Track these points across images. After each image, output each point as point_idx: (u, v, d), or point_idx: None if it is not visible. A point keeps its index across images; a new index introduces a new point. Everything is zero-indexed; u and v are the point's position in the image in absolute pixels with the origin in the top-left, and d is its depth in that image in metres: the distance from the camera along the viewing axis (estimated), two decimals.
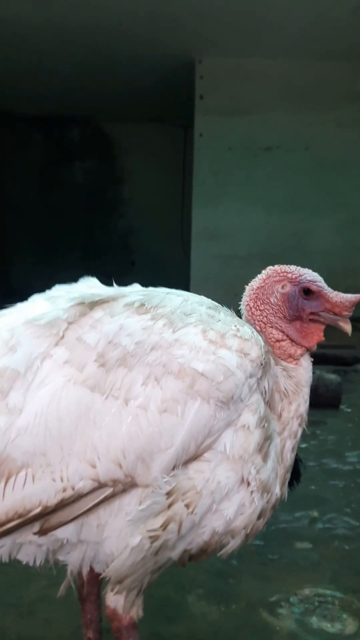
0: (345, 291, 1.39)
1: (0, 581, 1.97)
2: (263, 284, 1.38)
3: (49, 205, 10.21)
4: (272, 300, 1.36)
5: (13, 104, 9.08)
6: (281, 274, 1.37)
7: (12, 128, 9.88)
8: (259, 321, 1.37)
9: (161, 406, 1.12)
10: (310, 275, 1.36)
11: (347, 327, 1.36)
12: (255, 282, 1.39)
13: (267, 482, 1.23)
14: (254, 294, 1.38)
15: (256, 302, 1.38)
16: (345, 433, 3.66)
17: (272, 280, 1.37)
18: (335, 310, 1.35)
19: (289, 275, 1.36)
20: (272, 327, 1.37)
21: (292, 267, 1.38)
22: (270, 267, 1.40)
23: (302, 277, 1.36)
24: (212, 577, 2.03)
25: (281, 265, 1.39)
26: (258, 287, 1.38)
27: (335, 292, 1.36)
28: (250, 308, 1.38)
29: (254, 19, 6.00)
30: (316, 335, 1.38)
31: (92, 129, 10.12)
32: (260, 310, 1.37)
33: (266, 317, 1.37)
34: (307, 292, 1.35)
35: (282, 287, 1.36)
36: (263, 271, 1.40)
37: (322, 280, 1.37)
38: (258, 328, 1.36)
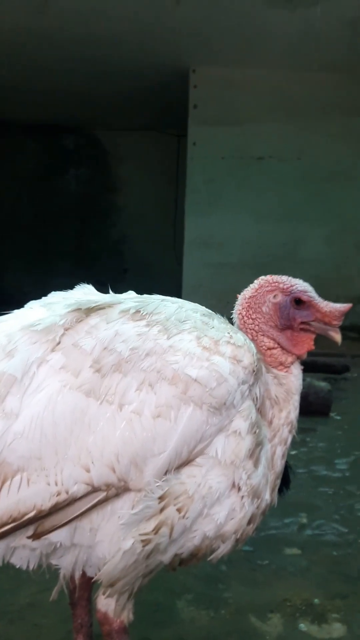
0: (336, 300, 1.42)
1: None
2: (255, 294, 1.41)
3: (42, 212, 10.23)
4: (263, 309, 1.39)
5: (7, 112, 9.12)
6: (273, 284, 1.40)
7: (6, 136, 9.91)
8: (250, 329, 1.40)
9: (155, 411, 1.14)
10: (301, 286, 1.40)
11: (337, 336, 1.39)
12: (247, 292, 1.42)
13: (257, 488, 1.25)
14: (246, 303, 1.41)
15: (248, 310, 1.41)
16: (334, 440, 3.69)
17: (264, 289, 1.40)
18: (326, 319, 1.38)
19: (281, 285, 1.39)
20: (263, 335, 1.40)
21: (284, 277, 1.41)
22: (263, 277, 1.43)
23: (294, 287, 1.39)
24: (201, 583, 2.04)
25: (273, 275, 1.41)
26: (250, 297, 1.41)
27: (326, 302, 1.39)
28: (243, 317, 1.41)
29: (248, 29, 6.09)
30: (307, 344, 1.41)
31: (86, 138, 10.17)
32: (252, 319, 1.40)
33: (258, 325, 1.40)
34: (298, 302, 1.38)
35: (274, 296, 1.39)
36: (255, 281, 1.43)
37: (313, 290, 1.41)
38: (250, 336, 1.38)
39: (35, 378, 1.16)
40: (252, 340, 1.37)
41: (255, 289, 1.42)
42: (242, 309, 1.41)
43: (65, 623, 1.72)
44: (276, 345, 1.40)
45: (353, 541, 2.39)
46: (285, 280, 1.40)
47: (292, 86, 7.21)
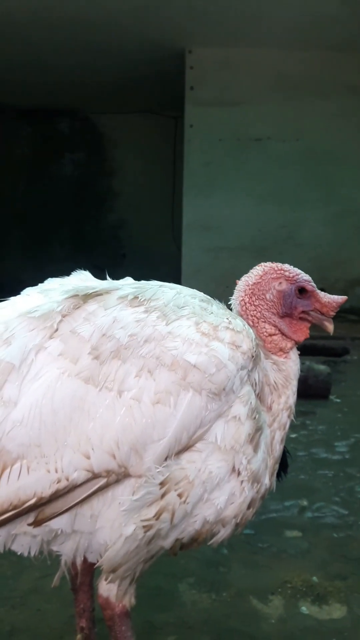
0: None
1: None
2: (260, 280, 1.41)
3: (38, 198, 10.16)
4: (267, 296, 1.40)
5: (2, 96, 9.00)
6: (278, 271, 1.41)
7: (1, 121, 9.79)
8: (252, 316, 1.40)
9: (154, 398, 1.14)
10: (305, 275, 1.42)
11: (331, 326, 1.44)
12: (250, 278, 1.42)
13: (257, 472, 1.25)
14: (249, 289, 1.41)
15: (251, 297, 1.41)
16: (334, 423, 3.70)
17: (269, 277, 1.41)
18: (324, 310, 1.42)
19: (286, 273, 1.41)
20: (265, 321, 1.40)
21: (288, 266, 1.43)
22: (265, 263, 1.43)
23: (299, 276, 1.41)
24: (202, 566, 2.05)
25: (277, 263, 1.43)
26: (254, 283, 1.41)
27: (324, 293, 1.43)
28: (245, 303, 1.41)
29: (244, 9, 5.98)
30: (304, 332, 1.43)
31: (81, 121, 10.06)
32: (254, 305, 1.41)
33: (260, 312, 1.40)
34: (302, 291, 1.41)
35: (279, 284, 1.40)
36: (258, 267, 1.43)
37: (312, 281, 1.44)
38: (250, 322, 1.39)
39: (33, 365, 1.15)
40: (253, 326, 1.38)
41: (260, 275, 1.41)
42: (245, 295, 1.41)
43: (67, 608, 1.73)
44: (277, 332, 1.41)
45: (353, 523, 2.41)
46: (290, 269, 1.42)
47: (290, 66, 7.12)
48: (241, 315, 1.40)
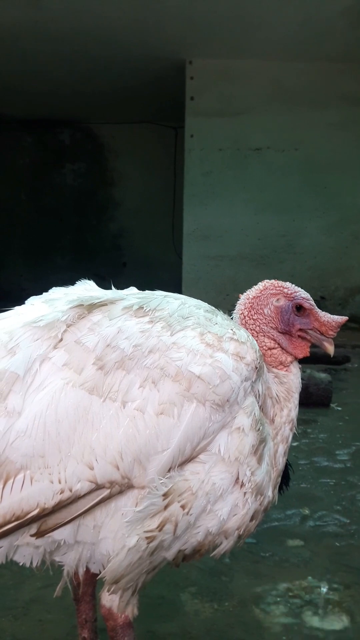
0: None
1: None
2: (259, 294, 1.43)
3: (40, 207, 10.21)
4: (265, 311, 1.42)
5: (3, 107, 9.07)
6: (277, 288, 1.43)
7: (2, 131, 9.87)
8: (251, 329, 1.42)
9: (158, 408, 1.14)
10: (304, 293, 1.44)
11: (331, 347, 1.44)
12: (251, 292, 1.45)
13: (261, 484, 1.25)
14: (249, 303, 1.43)
15: (250, 311, 1.43)
16: (335, 431, 3.69)
17: (268, 292, 1.43)
18: (323, 329, 1.42)
19: (285, 290, 1.43)
20: (264, 335, 1.42)
21: (288, 284, 1.45)
22: (267, 280, 1.46)
23: (297, 293, 1.43)
24: (205, 575, 2.05)
25: (277, 280, 1.46)
26: (254, 297, 1.43)
27: (324, 313, 1.43)
28: (245, 316, 1.43)
29: (244, 20, 6.04)
30: (303, 350, 1.44)
31: (82, 132, 10.13)
32: (253, 319, 1.42)
33: (259, 326, 1.42)
34: (299, 308, 1.42)
35: (277, 300, 1.42)
36: (260, 283, 1.46)
37: (312, 300, 1.45)
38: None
39: (37, 375, 1.15)
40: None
41: (260, 290, 1.44)
42: (245, 308, 1.43)
43: (69, 618, 1.73)
44: (276, 346, 1.42)
45: (355, 532, 2.40)
46: (289, 286, 1.44)
47: (289, 76, 7.17)
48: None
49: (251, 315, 1.42)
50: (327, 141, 7.25)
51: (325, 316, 1.42)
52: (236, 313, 1.44)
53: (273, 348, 1.42)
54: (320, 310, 1.43)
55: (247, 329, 1.41)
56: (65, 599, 1.49)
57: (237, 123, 7.26)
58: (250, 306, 1.43)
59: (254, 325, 1.42)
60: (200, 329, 1.22)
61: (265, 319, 1.42)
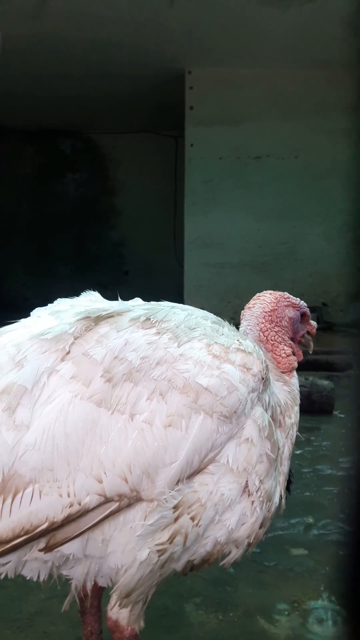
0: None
1: None
2: (275, 307, 1.51)
3: (42, 217, 10.24)
4: (283, 323, 1.52)
5: (4, 117, 9.12)
6: (287, 299, 1.54)
7: (4, 141, 9.92)
8: (272, 340, 1.50)
9: (166, 421, 1.14)
10: (303, 302, 1.57)
11: (312, 345, 1.62)
12: (266, 305, 1.52)
13: (270, 492, 1.26)
14: (268, 315, 1.50)
15: (270, 323, 1.50)
16: (339, 439, 3.68)
17: (282, 304, 1.52)
18: (313, 331, 1.59)
19: (292, 300, 1.55)
20: (284, 344, 1.51)
21: (288, 294, 1.57)
22: (270, 291, 1.55)
23: (301, 303, 1.56)
24: (209, 586, 2.04)
25: (280, 292, 1.56)
26: (271, 310, 1.51)
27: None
28: (267, 329, 1.50)
29: (242, 29, 6.08)
30: (301, 354, 1.58)
31: (83, 141, 10.18)
32: (274, 331, 1.50)
33: (280, 336, 1.51)
34: (303, 316, 1.56)
35: (289, 311, 1.53)
36: (267, 295, 1.54)
37: None
38: (270, 346, 1.49)
39: (45, 388, 1.15)
40: (272, 349, 1.48)
41: (274, 302, 1.52)
42: (266, 321, 1.50)
43: (74, 630, 1.73)
44: (291, 352, 1.52)
45: None
46: (293, 297, 1.57)
47: (288, 84, 7.21)
48: (260, 340, 1.49)
49: (272, 327, 1.50)
50: (326, 148, 7.27)
51: (312, 321, 1.60)
52: (252, 325, 1.50)
53: (290, 355, 1.50)
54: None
55: (267, 340, 1.49)
56: (71, 611, 1.48)
57: (237, 131, 7.29)
58: (270, 319, 1.50)
59: (276, 336, 1.50)
60: (207, 339, 1.23)
61: (283, 329, 1.51)
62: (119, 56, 6.66)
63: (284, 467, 1.38)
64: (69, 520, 1.12)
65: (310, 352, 1.62)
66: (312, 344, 1.61)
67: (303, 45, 6.48)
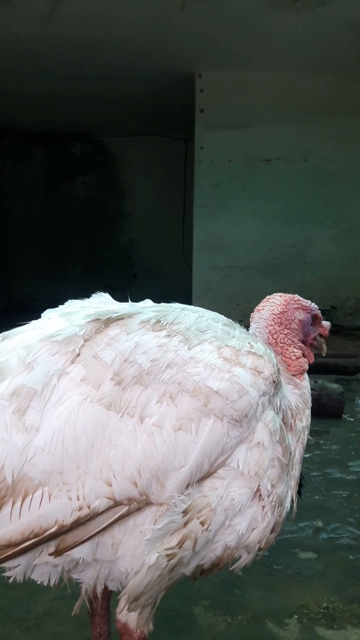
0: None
1: (7, 595, 1.98)
2: (285, 309, 1.50)
3: (51, 219, 10.29)
4: (293, 325, 1.51)
5: (15, 120, 9.19)
6: (297, 302, 1.53)
7: (14, 145, 10.00)
8: (282, 342, 1.49)
9: (176, 424, 1.13)
10: (315, 305, 1.56)
11: (325, 347, 1.61)
12: (275, 308, 1.51)
13: (281, 496, 1.25)
14: (277, 318, 1.50)
15: (280, 326, 1.50)
16: (348, 442, 3.66)
17: (292, 307, 1.51)
18: (325, 333, 1.58)
19: (302, 303, 1.54)
20: (294, 347, 1.50)
21: (299, 297, 1.56)
22: (282, 294, 1.55)
23: (312, 305, 1.55)
24: (218, 588, 2.04)
25: (290, 294, 1.56)
26: (280, 312, 1.50)
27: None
28: (276, 332, 1.49)
29: (253, 33, 6.09)
30: (312, 357, 1.57)
31: (93, 144, 10.22)
32: (284, 334, 1.50)
33: (290, 339, 1.50)
34: (314, 318, 1.55)
35: (299, 313, 1.52)
36: (276, 298, 1.54)
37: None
38: (279, 349, 1.48)
39: (55, 391, 1.14)
40: (281, 352, 1.47)
41: (283, 305, 1.51)
42: (275, 323, 1.50)
43: (83, 631, 1.73)
44: (302, 355, 1.51)
45: None
46: (303, 299, 1.55)
47: (298, 88, 7.20)
48: (269, 343, 1.48)
49: (281, 330, 1.49)
50: (336, 151, 7.25)
51: (325, 322, 1.58)
52: (262, 328, 1.50)
53: (300, 357, 1.49)
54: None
55: (277, 342, 1.48)
56: (79, 612, 1.49)
57: (247, 135, 7.29)
58: (280, 321, 1.50)
59: (286, 339, 1.49)
60: (217, 342, 1.22)
61: (293, 332, 1.50)
62: (129, 59, 6.69)
63: (296, 471, 1.36)
64: (78, 523, 1.11)
65: (324, 355, 1.61)
66: (324, 346, 1.60)
67: (313, 49, 6.48)
